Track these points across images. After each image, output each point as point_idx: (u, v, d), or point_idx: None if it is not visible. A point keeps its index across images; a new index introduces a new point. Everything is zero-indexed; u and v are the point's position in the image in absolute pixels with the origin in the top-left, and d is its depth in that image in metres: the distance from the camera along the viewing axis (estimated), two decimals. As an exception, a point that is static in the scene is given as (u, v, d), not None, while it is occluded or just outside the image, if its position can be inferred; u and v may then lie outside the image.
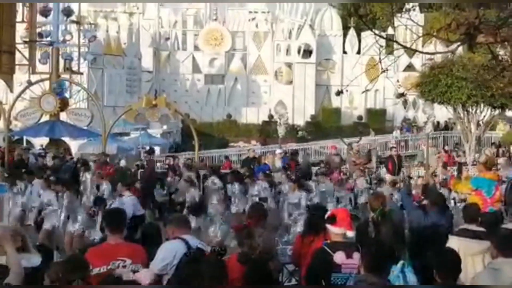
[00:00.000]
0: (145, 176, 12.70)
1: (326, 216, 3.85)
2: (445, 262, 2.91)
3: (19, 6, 17.43)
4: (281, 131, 23.38)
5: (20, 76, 19.11)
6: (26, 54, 17.70)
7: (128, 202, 7.85)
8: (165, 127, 24.36)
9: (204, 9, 31.90)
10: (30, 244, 3.52)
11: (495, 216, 5.79)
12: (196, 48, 31.72)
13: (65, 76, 18.59)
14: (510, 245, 3.15)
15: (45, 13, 17.83)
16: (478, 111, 17.01)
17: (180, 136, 26.64)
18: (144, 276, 3.12)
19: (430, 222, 4.89)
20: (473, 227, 4.40)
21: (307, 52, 30.90)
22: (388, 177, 14.58)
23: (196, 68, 31.75)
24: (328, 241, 3.73)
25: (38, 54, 18.05)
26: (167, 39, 31.72)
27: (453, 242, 4.11)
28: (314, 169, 15.58)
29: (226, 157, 20.30)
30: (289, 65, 31.24)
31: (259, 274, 3.49)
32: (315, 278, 3.60)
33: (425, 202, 6.99)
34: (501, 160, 15.95)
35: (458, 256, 3.05)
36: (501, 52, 7.68)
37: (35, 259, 3.25)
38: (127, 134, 22.83)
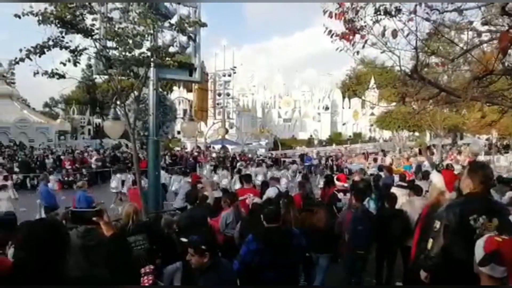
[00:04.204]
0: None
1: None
2: None
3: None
4: (315, 142, 53.20)
5: (210, 120, 38.91)
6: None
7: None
8: (266, 140, 49.72)
9: (283, 91, 63.52)
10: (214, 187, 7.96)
11: None
12: (279, 107, 63.08)
13: (227, 120, 43.13)
14: None
15: (219, 94, 45.10)
16: None
17: (272, 144, 49.64)
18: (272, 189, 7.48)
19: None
20: None
21: (327, 108, 60.25)
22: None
23: (279, 116, 62.87)
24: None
25: (216, 111, 41.06)
26: (267, 104, 63.54)
27: None
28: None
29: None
30: (319, 114, 60.80)
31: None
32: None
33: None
34: None
35: None
36: None
37: (219, 193, 7.46)
38: (251, 143, 46.09)
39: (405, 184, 8.53)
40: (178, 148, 39.29)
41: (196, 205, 6.42)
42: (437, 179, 4.62)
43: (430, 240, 3.33)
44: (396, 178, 10.50)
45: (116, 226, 5.07)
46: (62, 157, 24.86)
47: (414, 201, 6.66)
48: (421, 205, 5.70)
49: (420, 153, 27.77)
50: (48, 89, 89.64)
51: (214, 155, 30.58)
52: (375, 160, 24.15)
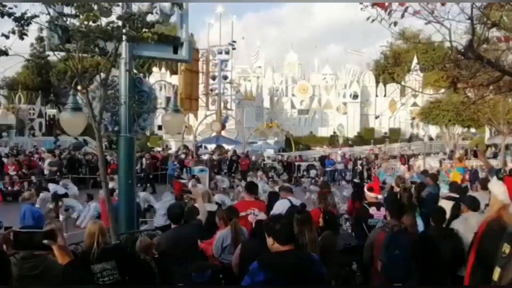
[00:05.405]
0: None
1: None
2: None
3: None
4: (340, 141, 52.84)
5: (201, 112, 42.20)
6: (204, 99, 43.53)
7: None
8: (276, 138, 47.61)
9: (297, 73, 63.41)
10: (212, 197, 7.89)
11: None
12: (293, 95, 62.99)
13: (224, 111, 41.73)
14: None
15: (214, 78, 41.41)
16: None
17: (284, 143, 48.85)
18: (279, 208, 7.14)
19: None
20: None
21: (355, 96, 59.86)
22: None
23: (293, 106, 62.76)
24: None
25: (210, 99, 42.45)
26: (277, 90, 63.39)
27: None
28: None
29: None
30: (345, 103, 60.54)
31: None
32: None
33: None
34: None
35: None
36: None
37: (214, 206, 7.45)
38: (255, 142, 44.14)
39: (457, 196, 8.47)
40: (159, 148, 39.35)
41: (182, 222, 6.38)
42: (498, 188, 4.56)
43: (498, 270, 3.28)
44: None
45: (75, 252, 5.13)
46: (4, 159, 24.92)
47: (468, 217, 6.59)
48: (478, 222, 5.60)
49: (475, 155, 27.59)
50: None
51: (215, 156, 30.73)
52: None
